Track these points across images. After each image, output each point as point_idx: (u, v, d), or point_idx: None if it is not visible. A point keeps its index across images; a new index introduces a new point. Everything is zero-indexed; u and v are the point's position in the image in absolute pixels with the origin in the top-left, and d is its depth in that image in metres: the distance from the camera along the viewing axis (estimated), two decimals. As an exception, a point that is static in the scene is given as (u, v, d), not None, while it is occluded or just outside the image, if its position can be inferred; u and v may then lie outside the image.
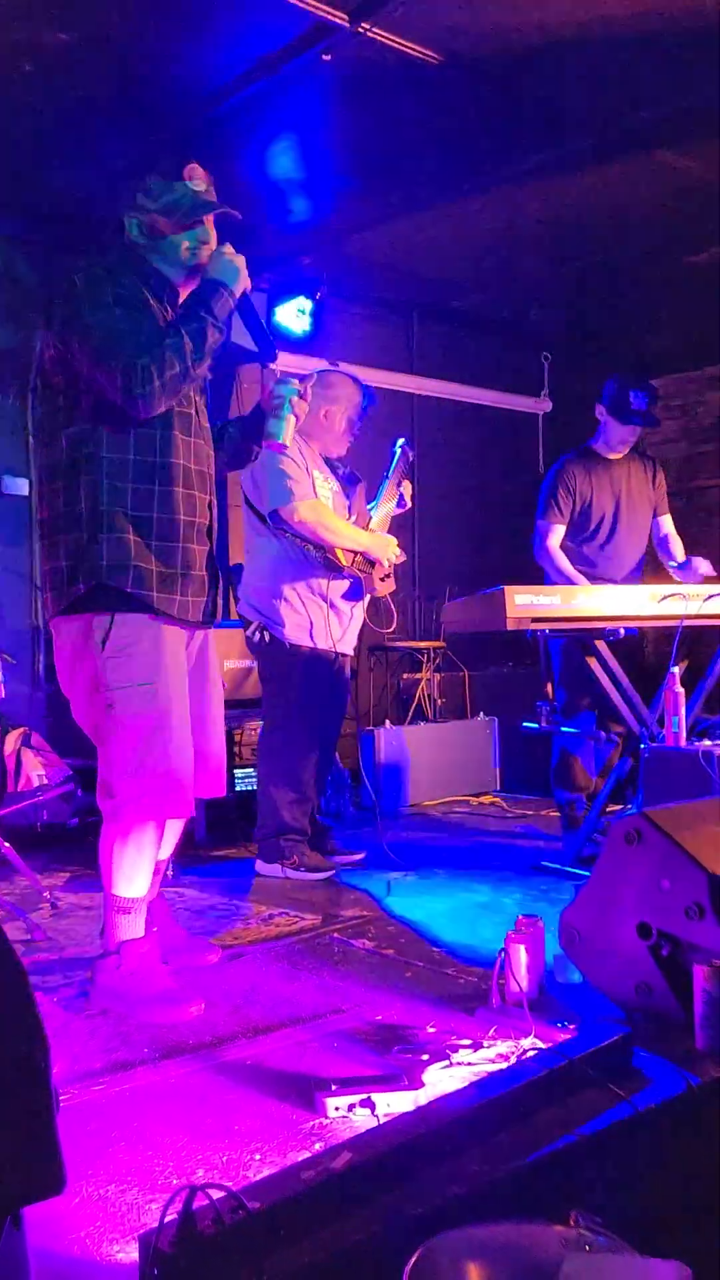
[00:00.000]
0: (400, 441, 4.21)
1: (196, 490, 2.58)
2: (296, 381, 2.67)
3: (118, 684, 2.48)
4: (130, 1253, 1.52)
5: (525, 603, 3.55)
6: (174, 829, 2.79)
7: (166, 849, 2.79)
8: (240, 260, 2.56)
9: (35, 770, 4.31)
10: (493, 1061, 2.13)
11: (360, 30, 3.75)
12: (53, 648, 2.63)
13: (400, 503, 4.19)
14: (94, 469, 2.48)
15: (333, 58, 3.92)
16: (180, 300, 2.60)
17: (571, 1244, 1.27)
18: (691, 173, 4.96)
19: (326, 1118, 1.92)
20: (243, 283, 2.55)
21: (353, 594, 4.03)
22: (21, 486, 5.32)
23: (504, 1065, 2.09)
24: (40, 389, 2.56)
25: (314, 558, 3.88)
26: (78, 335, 2.42)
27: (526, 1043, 2.22)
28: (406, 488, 4.22)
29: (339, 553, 3.91)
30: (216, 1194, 1.45)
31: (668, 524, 4.53)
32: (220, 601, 2.72)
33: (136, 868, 2.54)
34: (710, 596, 3.84)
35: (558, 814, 4.50)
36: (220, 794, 2.79)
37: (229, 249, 2.57)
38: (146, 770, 2.46)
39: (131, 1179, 1.73)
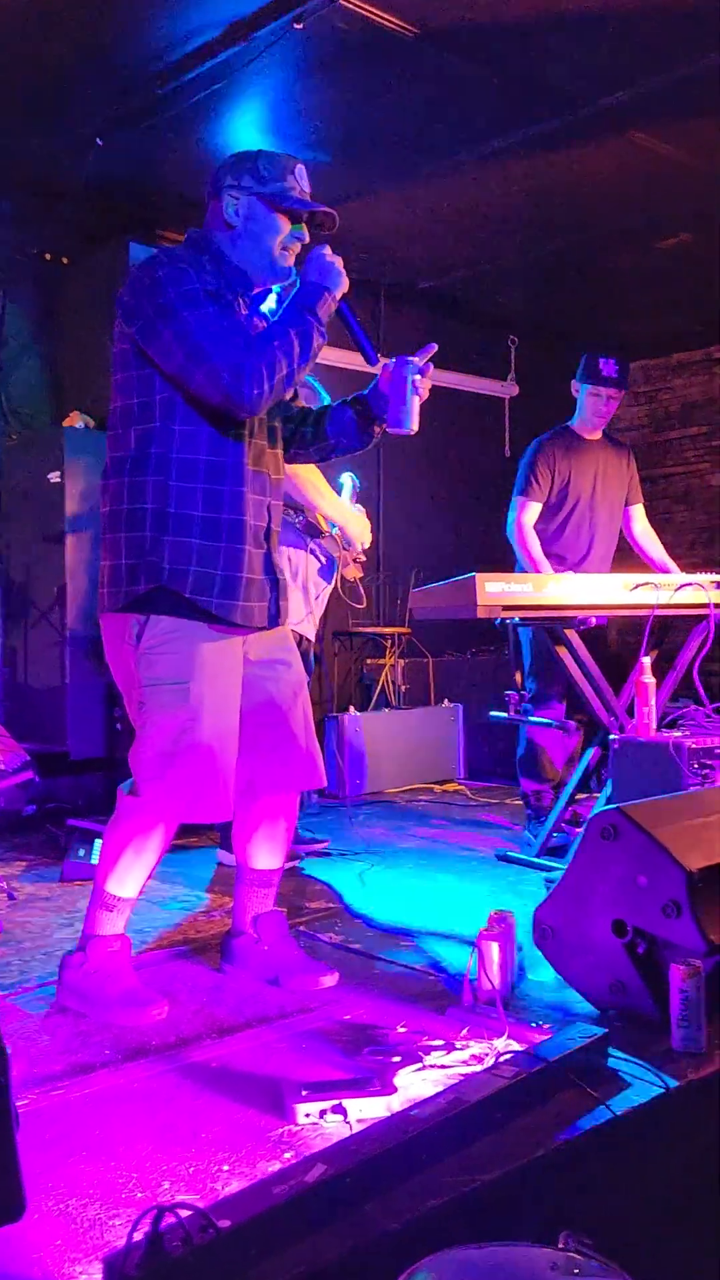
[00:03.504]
0: (349, 477, 4.09)
1: (258, 493, 2.48)
2: (417, 359, 2.53)
3: (148, 681, 2.40)
4: (93, 1273, 1.45)
5: (496, 590, 3.49)
6: None
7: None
8: (339, 262, 2.45)
9: (-9, 756, 4.20)
10: (466, 1064, 2.07)
11: (334, -2, 3.66)
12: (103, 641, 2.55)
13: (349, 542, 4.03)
14: (163, 469, 2.38)
15: (305, 26, 3.82)
16: (253, 294, 2.52)
17: (561, 1268, 1.21)
18: (667, 156, 4.92)
19: (297, 1124, 1.85)
20: (343, 286, 2.44)
21: (324, 574, 3.95)
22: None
23: (478, 1068, 2.03)
24: (117, 384, 2.46)
25: (291, 523, 3.78)
26: (170, 332, 2.29)
27: (500, 1043, 2.17)
28: (361, 510, 4.07)
29: (319, 518, 3.82)
30: (185, 1213, 1.39)
31: (640, 514, 4.49)
32: (282, 604, 2.59)
33: (134, 868, 2.45)
34: (681, 586, 3.80)
35: (522, 802, 4.46)
36: (317, 785, 2.69)
37: (328, 251, 2.45)
38: (172, 772, 2.37)
39: (94, 1192, 1.65)
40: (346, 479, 4.11)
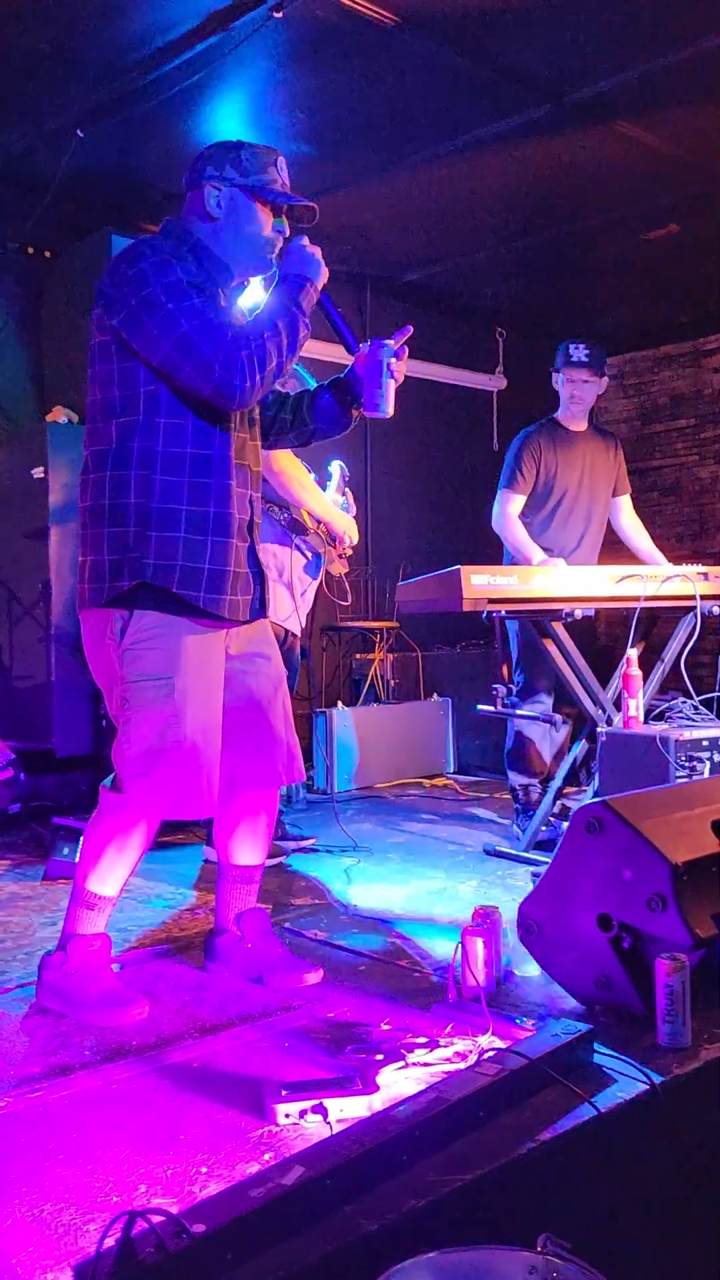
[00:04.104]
0: (338, 465, 4.09)
1: (241, 486, 2.44)
2: (392, 342, 2.50)
3: (132, 677, 2.36)
4: (66, 1281, 1.42)
5: (482, 583, 3.47)
6: None
7: None
8: (319, 253, 2.43)
9: (-26, 754, 4.16)
10: (450, 1061, 2.05)
11: (314, -14, 3.62)
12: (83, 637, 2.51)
13: (345, 508, 4.06)
14: (147, 463, 2.34)
15: (284, 14, 3.78)
16: (233, 286, 2.49)
17: (539, 1271, 1.19)
18: (652, 145, 4.89)
19: (277, 1125, 1.83)
20: (324, 276, 2.43)
21: (310, 570, 3.92)
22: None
23: (461, 1065, 2.01)
24: (96, 376, 2.41)
25: (276, 519, 3.75)
26: (155, 325, 2.25)
27: (484, 1040, 2.14)
28: (349, 495, 4.10)
29: (304, 515, 3.80)
30: (157, 1219, 1.36)
31: (628, 506, 4.46)
32: (267, 596, 2.57)
33: (116, 867, 2.42)
34: (668, 578, 3.78)
35: (511, 796, 4.44)
36: (297, 780, 2.66)
37: (307, 242, 2.44)
38: (156, 769, 2.33)
39: (69, 1197, 1.62)
40: (335, 467, 4.09)
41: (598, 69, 4.27)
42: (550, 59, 4.20)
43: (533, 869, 3.69)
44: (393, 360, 2.48)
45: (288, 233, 2.49)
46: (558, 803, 4.09)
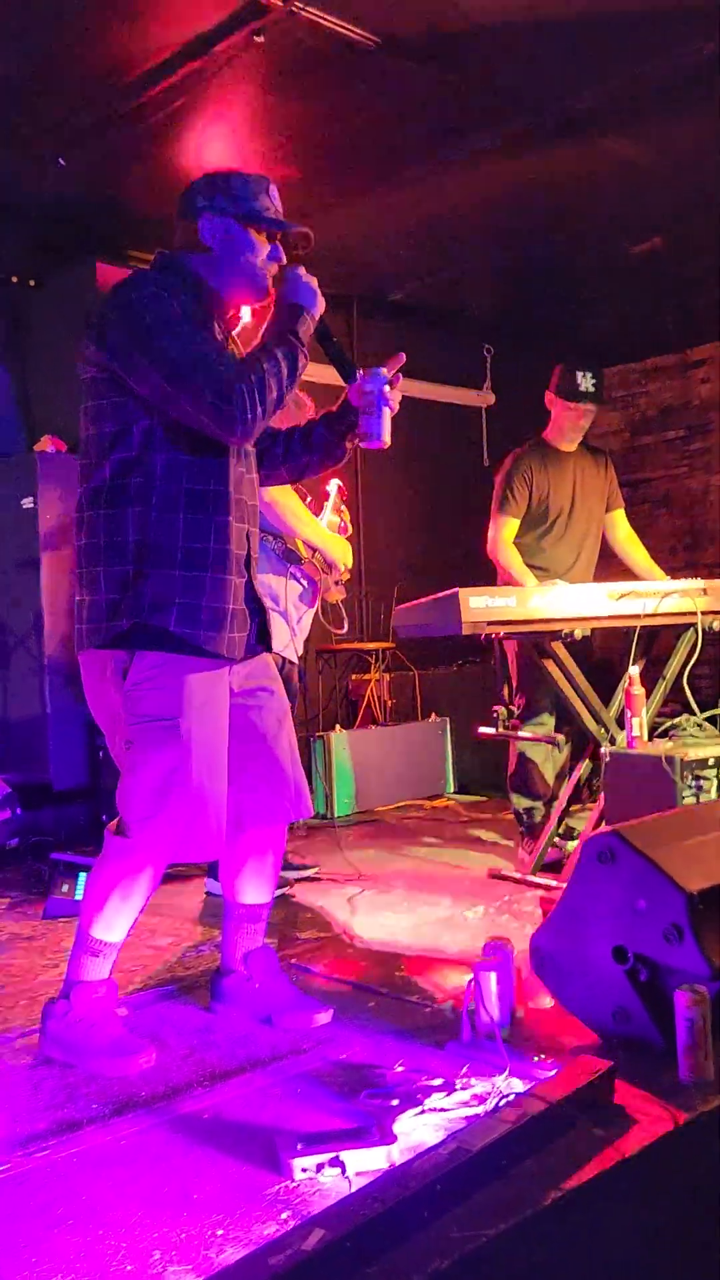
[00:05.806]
0: (334, 483, 4.07)
1: (239, 521, 2.40)
2: (386, 370, 2.46)
3: (136, 719, 2.31)
4: None
5: (480, 605, 3.42)
6: None
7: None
8: (315, 282, 2.40)
9: (-30, 791, 4.10)
10: (467, 1105, 2.00)
11: (293, 9, 3.60)
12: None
13: (340, 528, 4.03)
14: (144, 499, 2.30)
15: (265, 39, 3.75)
16: (228, 318, 2.46)
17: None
18: (634, 159, 4.88)
19: (293, 1180, 1.77)
20: (320, 305, 2.39)
21: (305, 598, 3.88)
22: None
23: (479, 1109, 1.96)
24: (88, 411, 2.37)
25: (270, 549, 3.72)
26: (150, 358, 2.21)
27: (501, 1081, 2.09)
28: (346, 514, 4.08)
29: (299, 544, 3.76)
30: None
31: (622, 520, 4.42)
32: (265, 630, 2.52)
33: (121, 912, 2.36)
34: (667, 594, 3.74)
35: (514, 817, 4.39)
36: (304, 816, 2.61)
37: (304, 271, 2.40)
38: (164, 814, 2.28)
39: (80, 1266, 1.56)
40: (332, 486, 4.06)
41: (577, 84, 4.26)
42: (530, 76, 4.18)
43: (540, 893, 3.64)
44: (387, 388, 2.44)
45: (284, 260, 2.46)
46: (563, 823, 4.04)
